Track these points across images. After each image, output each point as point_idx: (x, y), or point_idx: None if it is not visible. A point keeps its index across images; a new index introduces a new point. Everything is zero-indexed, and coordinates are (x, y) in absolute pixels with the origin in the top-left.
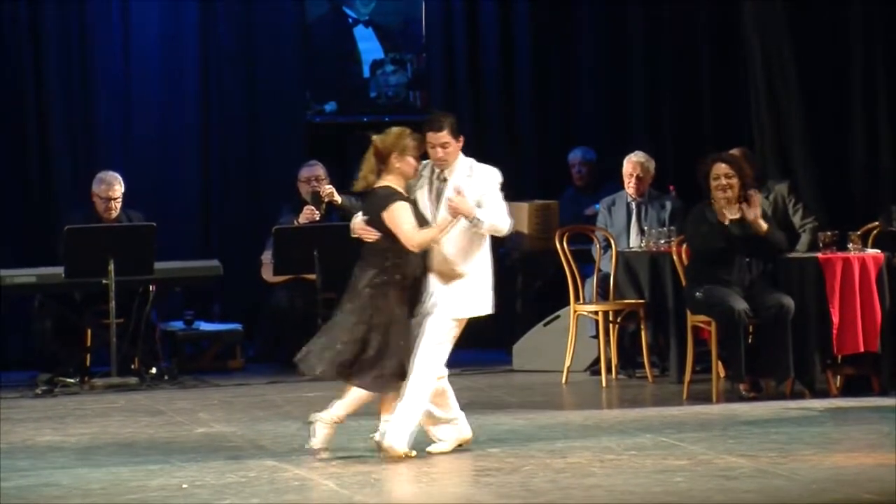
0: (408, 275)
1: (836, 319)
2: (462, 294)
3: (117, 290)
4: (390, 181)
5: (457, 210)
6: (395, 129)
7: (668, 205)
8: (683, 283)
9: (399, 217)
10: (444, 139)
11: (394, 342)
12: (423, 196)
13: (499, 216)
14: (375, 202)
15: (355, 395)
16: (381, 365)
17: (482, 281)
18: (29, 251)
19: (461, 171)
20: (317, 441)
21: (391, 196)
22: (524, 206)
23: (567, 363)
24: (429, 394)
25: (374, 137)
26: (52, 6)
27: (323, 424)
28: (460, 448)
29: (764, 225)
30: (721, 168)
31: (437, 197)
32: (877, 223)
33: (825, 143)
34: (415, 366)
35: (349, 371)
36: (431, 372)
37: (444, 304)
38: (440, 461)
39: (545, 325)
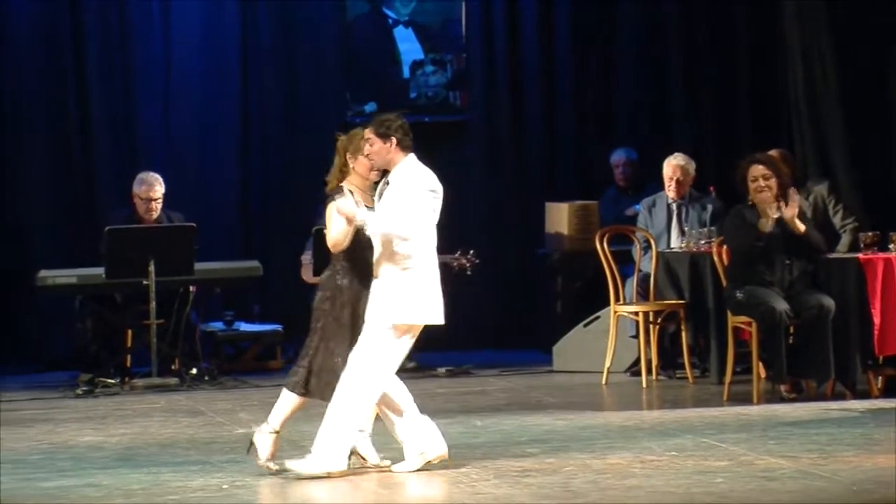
0: (353, 280)
1: (877, 320)
2: (394, 300)
3: (158, 291)
4: (349, 181)
5: (339, 211)
6: (353, 130)
7: (709, 206)
8: (724, 283)
9: (329, 217)
10: (367, 135)
11: (337, 350)
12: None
13: (391, 221)
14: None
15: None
16: (330, 371)
17: (417, 288)
18: (70, 252)
19: (397, 173)
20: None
21: (330, 196)
22: (564, 207)
23: (607, 364)
24: (360, 408)
25: (339, 138)
26: (93, 6)
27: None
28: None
29: (801, 226)
30: (758, 169)
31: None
32: None
33: (865, 143)
34: (343, 377)
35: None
36: (363, 382)
37: (374, 311)
38: (480, 462)
39: (585, 325)
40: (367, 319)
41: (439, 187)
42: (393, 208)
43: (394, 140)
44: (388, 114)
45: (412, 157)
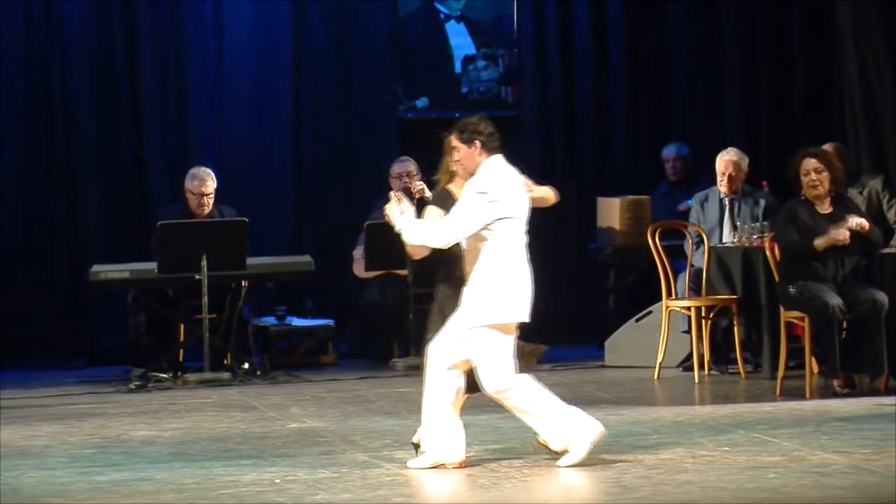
0: (451, 280)
1: None
2: (478, 302)
3: (210, 286)
4: (453, 184)
5: (386, 217)
6: None
7: (762, 200)
8: (776, 278)
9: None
10: (452, 143)
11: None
12: None
13: (430, 230)
14: None
15: None
16: None
17: (499, 288)
18: (122, 247)
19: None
20: None
21: (432, 199)
22: (616, 202)
23: (659, 359)
24: (440, 397)
25: (446, 139)
26: (145, 5)
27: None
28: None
29: (866, 224)
30: (811, 163)
31: None
32: None
33: None
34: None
35: None
36: (504, 389)
37: (464, 315)
38: (532, 457)
39: (637, 320)
40: (458, 322)
41: (493, 189)
42: (450, 215)
43: (478, 144)
44: (469, 118)
45: (495, 157)
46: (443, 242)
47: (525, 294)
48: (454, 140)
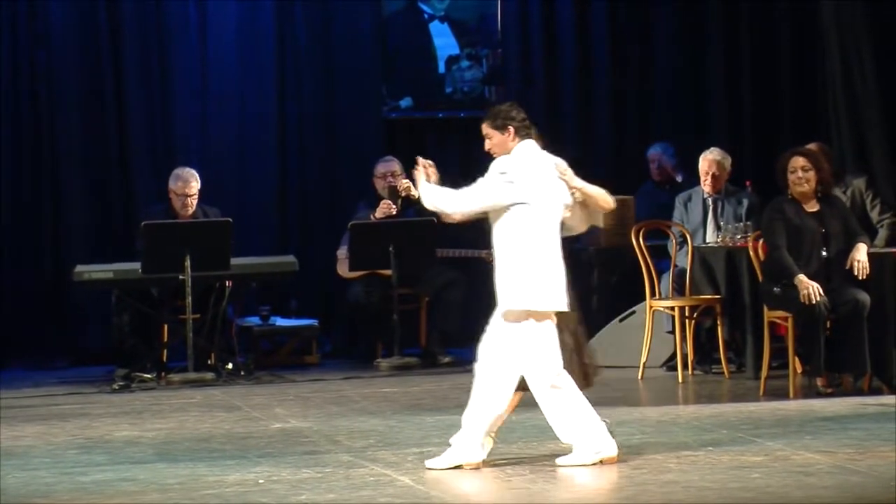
0: None
1: None
2: (506, 286)
3: (194, 286)
4: None
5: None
6: None
7: (745, 200)
8: (760, 278)
9: None
10: (484, 130)
11: None
12: None
13: (445, 196)
14: None
15: None
16: None
17: (517, 274)
18: (106, 247)
19: None
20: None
21: None
22: None
23: (643, 359)
24: (487, 397)
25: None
26: (130, 5)
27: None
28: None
29: (867, 270)
30: (798, 161)
31: None
32: None
33: None
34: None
35: None
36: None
37: (500, 300)
38: (515, 456)
39: (621, 320)
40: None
41: (513, 171)
42: (469, 188)
43: (511, 129)
44: (500, 105)
45: (527, 142)
46: (453, 211)
47: (547, 283)
48: (486, 128)
